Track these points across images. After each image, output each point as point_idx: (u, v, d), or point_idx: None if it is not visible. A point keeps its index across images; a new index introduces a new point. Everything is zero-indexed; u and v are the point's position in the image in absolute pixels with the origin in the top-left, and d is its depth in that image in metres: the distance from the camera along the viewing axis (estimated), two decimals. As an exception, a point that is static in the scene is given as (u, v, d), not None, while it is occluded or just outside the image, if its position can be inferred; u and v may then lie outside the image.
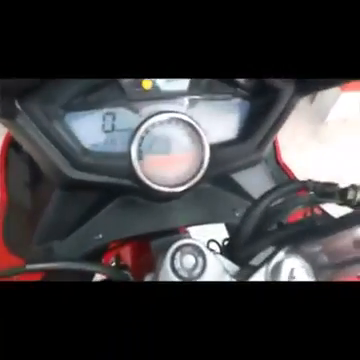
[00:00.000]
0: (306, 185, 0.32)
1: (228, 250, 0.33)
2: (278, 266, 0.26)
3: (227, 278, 0.28)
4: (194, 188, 0.38)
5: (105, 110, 0.35)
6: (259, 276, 0.27)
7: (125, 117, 0.35)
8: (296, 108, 0.39)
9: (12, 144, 0.47)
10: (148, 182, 0.35)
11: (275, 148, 0.54)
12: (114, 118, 0.35)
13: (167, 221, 0.41)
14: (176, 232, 0.41)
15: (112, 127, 0.35)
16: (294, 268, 0.26)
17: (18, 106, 0.29)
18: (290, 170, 0.51)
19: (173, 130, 0.35)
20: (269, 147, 0.40)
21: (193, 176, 0.37)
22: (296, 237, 0.28)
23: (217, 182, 0.43)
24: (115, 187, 0.36)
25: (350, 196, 0.27)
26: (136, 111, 0.35)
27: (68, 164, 0.33)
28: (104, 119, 0.35)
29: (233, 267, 0.29)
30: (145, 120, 0.34)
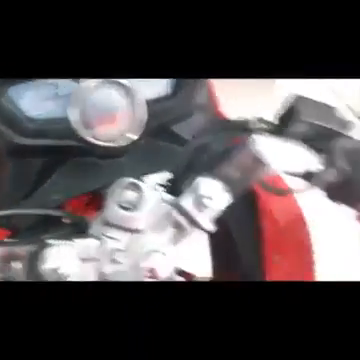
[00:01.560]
0: (225, 124, 0.38)
1: (169, 186, 0.40)
2: (198, 187, 0.33)
3: (164, 205, 0.35)
4: (138, 143, 0.44)
5: (46, 81, 0.39)
6: (187, 198, 0.34)
7: (67, 84, 0.39)
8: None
9: None
10: (92, 140, 0.40)
11: (212, 98, 0.60)
12: (56, 87, 0.39)
13: (117, 175, 0.47)
14: None
15: (55, 95, 0.40)
16: (210, 186, 0.33)
17: None
18: (227, 118, 0.57)
19: (110, 92, 0.40)
20: (200, 98, 0.46)
21: (133, 131, 0.42)
22: (213, 163, 0.35)
23: (159, 135, 0.49)
24: (63, 149, 0.41)
25: (250, 126, 0.34)
26: (76, 79, 0.39)
27: (13, 132, 0.37)
28: (48, 88, 0.39)
29: (169, 197, 0.36)
30: (81, 83, 0.38)
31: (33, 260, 0.29)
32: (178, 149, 0.51)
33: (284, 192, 0.40)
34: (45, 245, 0.29)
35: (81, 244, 0.32)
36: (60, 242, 0.30)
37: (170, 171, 0.56)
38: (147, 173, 0.49)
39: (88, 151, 0.42)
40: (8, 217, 0.40)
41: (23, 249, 0.29)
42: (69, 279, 0.29)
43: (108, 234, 0.33)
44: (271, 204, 0.49)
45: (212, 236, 0.60)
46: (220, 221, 0.35)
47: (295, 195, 0.47)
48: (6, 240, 0.31)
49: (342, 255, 1.49)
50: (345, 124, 0.34)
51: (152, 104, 0.43)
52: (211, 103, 0.57)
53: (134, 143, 0.43)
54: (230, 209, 0.35)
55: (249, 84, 1.99)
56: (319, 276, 0.48)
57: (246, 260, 0.49)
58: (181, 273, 0.47)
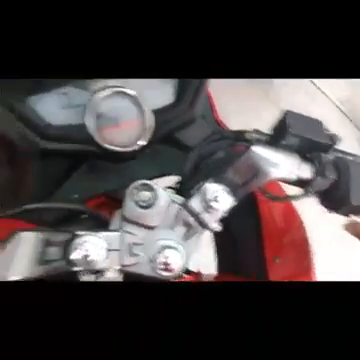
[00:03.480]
0: (226, 134, 0.42)
1: (179, 189, 0.43)
2: (205, 191, 0.37)
3: (176, 207, 0.38)
4: (147, 149, 0.47)
5: (59, 91, 0.42)
6: (195, 200, 0.37)
7: (78, 95, 0.43)
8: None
9: None
10: (106, 146, 0.44)
11: (211, 107, 0.64)
12: (69, 96, 0.43)
13: (128, 178, 0.50)
14: None
15: (68, 104, 0.43)
16: (216, 190, 0.37)
17: None
18: (225, 125, 0.61)
19: (119, 101, 0.44)
20: (200, 106, 0.50)
21: (141, 137, 0.46)
22: (218, 169, 0.38)
23: (164, 141, 0.53)
24: (80, 153, 0.44)
25: (247, 136, 0.38)
26: (86, 88, 0.43)
27: (37, 136, 0.41)
28: (60, 98, 0.42)
29: (179, 198, 0.39)
30: (94, 95, 0.42)
31: (66, 248, 0.32)
32: (180, 154, 0.55)
33: (281, 198, 0.43)
34: (76, 235, 0.32)
35: (105, 236, 0.35)
36: (88, 233, 0.33)
37: (175, 174, 0.60)
38: (154, 176, 0.53)
39: (102, 155, 0.46)
40: (33, 211, 0.43)
41: (59, 237, 0.32)
42: (97, 267, 0.32)
43: (126, 229, 0.36)
44: (271, 209, 0.53)
45: (216, 238, 0.63)
46: (224, 225, 0.38)
47: (292, 201, 0.51)
48: (44, 228, 0.33)
49: (339, 255, 1.55)
50: (331, 137, 0.38)
51: (157, 113, 0.47)
52: (211, 112, 0.62)
53: (142, 148, 0.47)
54: (233, 213, 0.38)
55: (244, 93, 2.10)
56: (318, 275, 0.52)
57: (249, 261, 0.52)
58: (188, 271, 0.50)
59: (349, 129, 2.12)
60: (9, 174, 0.50)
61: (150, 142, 0.47)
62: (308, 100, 2.14)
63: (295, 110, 0.39)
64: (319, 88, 2.22)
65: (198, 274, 0.49)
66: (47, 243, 0.32)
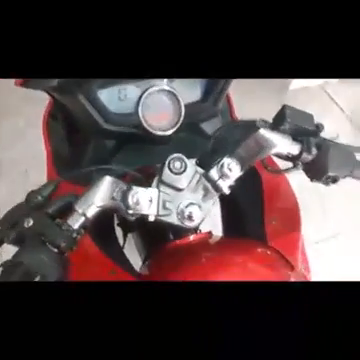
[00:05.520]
0: (240, 123, 0.56)
1: (198, 164, 0.58)
2: (222, 165, 0.51)
3: (197, 175, 0.52)
4: (176, 135, 0.62)
5: (119, 87, 0.57)
6: (213, 171, 0.51)
7: (132, 90, 0.58)
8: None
9: (51, 115, 0.69)
10: (150, 129, 0.58)
11: (229, 106, 0.78)
12: (126, 91, 0.58)
13: (160, 157, 0.65)
14: None
15: (124, 97, 0.58)
16: (229, 163, 0.51)
17: (77, 88, 0.51)
18: (238, 120, 0.75)
19: (162, 96, 0.59)
20: (222, 104, 0.64)
21: (175, 124, 0.60)
22: (232, 149, 0.52)
23: (190, 130, 0.67)
24: (129, 135, 0.59)
25: (257, 124, 0.52)
26: (138, 86, 0.58)
27: (102, 119, 0.55)
28: (119, 92, 0.57)
29: (200, 169, 0.53)
30: (145, 91, 0.57)
31: (125, 194, 0.46)
32: (200, 141, 0.69)
33: (278, 171, 0.57)
34: (131, 188, 0.47)
35: (149, 191, 0.49)
36: (139, 187, 0.47)
37: (195, 157, 0.75)
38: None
39: (143, 138, 0.61)
40: (88, 175, 0.57)
41: (120, 186, 0.46)
42: (143, 212, 0.47)
43: (161, 189, 0.50)
44: (270, 181, 0.67)
45: (224, 205, 0.77)
46: (232, 194, 0.51)
47: (286, 174, 0.65)
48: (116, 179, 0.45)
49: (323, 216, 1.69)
50: (318, 126, 0.52)
51: (188, 107, 0.62)
52: (229, 110, 0.76)
53: (171, 135, 0.61)
54: (241, 184, 0.51)
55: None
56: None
57: (252, 223, 0.66)
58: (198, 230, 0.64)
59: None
60: (70, 148, 0.66)
61: (179, 130, 0.62)
62: (320, 109, 2.24)
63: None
64: (333, 99, 2.31)
65: (209, 233, 0.63)
66: (114, 187, 0.46)
